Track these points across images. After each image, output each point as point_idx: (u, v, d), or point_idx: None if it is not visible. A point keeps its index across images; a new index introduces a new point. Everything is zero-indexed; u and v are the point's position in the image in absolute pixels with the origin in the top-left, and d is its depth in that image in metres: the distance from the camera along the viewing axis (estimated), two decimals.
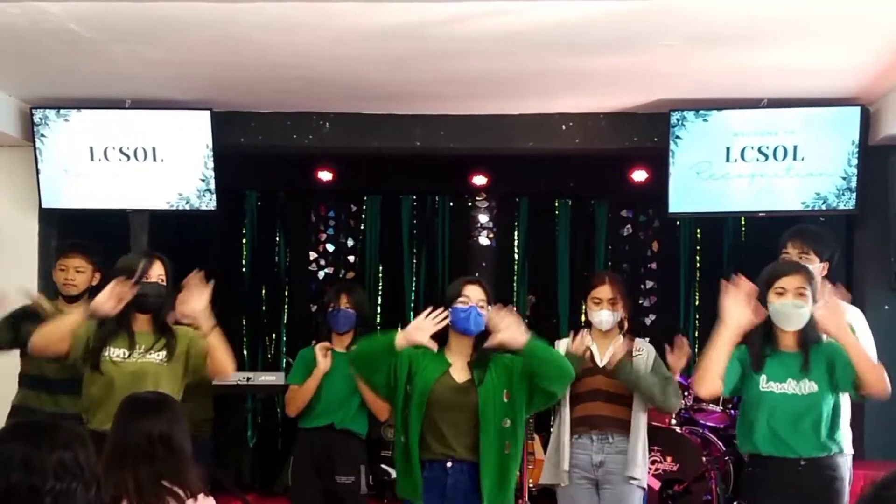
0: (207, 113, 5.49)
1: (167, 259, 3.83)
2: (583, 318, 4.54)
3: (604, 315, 4.06)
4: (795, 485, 3.40)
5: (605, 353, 4.07)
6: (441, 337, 3.66)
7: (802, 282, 3.43)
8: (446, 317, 3.56)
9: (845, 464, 3.58)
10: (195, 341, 3.76)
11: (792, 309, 3.42)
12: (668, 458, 5.69)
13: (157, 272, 3.74)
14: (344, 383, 4.59)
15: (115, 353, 3.67)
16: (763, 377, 3.45)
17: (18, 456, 1.95)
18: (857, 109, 5.18)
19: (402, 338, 3.52)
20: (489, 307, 3.61)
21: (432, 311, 3.57)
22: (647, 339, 7.15)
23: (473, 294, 3.61)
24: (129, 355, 3.67)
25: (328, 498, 4.63)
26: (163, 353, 3.71)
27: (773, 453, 3.43)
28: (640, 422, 3.99)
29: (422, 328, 3.54)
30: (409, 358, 3.61)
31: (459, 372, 3.62)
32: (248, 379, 6.26)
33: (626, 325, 4.17)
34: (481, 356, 3.63)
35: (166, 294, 3.77)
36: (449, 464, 3.55)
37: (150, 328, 3.74)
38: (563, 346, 4.12)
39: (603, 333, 4.10)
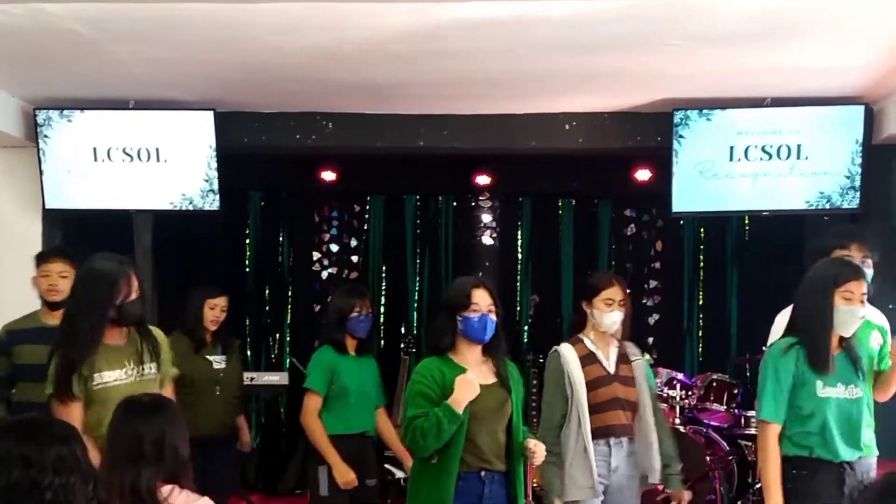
0: (211, 113, 5.49)
1: (135, 263, 3.66)
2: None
3: (617, 316, 3.99)
4: (841, 487, 3.41)
5: (609, 358, 4.04)
6: (448, 343, 3.56)
7: (865, 288, 3.43)
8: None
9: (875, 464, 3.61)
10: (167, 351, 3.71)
11: (858, 318, 3.41)
12: None
13: (135, 285, 3.50)
14: (370, 389, 4.60)
15: (110, 376, 3.44)
16: (819, 382, 3.41)
17: (17, 453, 2.00)
18: (861, 108, 5.18)
19: (462, 402, 3.36)
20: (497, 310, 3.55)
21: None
22: (651, 340, 7.25)
23: (483, 301, 3.51)
24: (127, 377, 3.48)
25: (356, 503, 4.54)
26: (154, 365, 3.57)
27: (822, 456, 3.42)
28: (649, 427, 3.98)
29: (472, 386, 3.41)
30: (438, 386, 3.48)
31: (478, 376, 3.49)
32: (252, 379, 6.28)
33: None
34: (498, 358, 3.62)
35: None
36: (483, 473, 3.47)
37: (128, 339, 3.54)
38: (565, 350, 4.07)
39: (603, 336, 4.05)
